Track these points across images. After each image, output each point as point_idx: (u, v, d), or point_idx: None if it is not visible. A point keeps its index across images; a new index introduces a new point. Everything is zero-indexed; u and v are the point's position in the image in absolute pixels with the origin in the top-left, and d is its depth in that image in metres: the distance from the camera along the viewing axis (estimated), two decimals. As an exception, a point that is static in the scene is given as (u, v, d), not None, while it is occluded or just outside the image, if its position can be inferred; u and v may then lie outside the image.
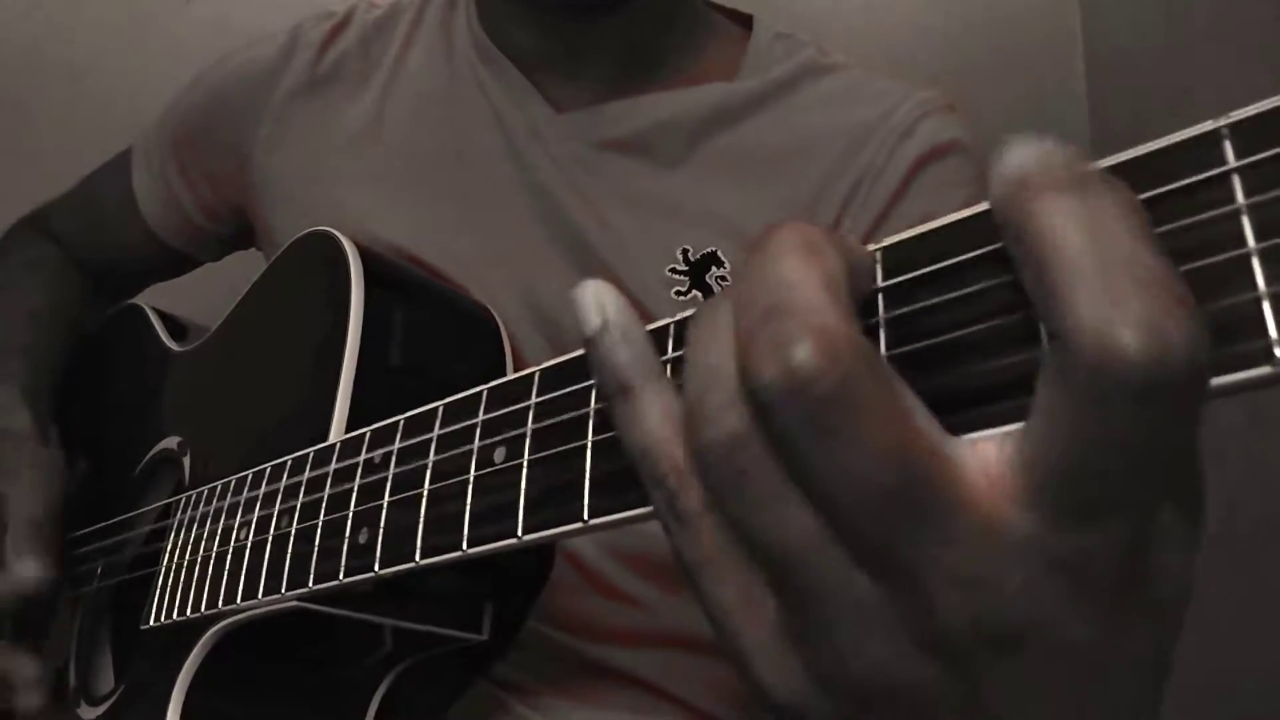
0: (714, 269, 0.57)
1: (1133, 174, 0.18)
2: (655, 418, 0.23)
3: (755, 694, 0.23)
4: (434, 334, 0.52)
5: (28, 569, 0.54)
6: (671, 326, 0.27)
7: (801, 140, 0.59)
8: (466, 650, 0.47)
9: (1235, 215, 0.17)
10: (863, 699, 0.21)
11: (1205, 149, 0.17)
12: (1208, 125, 0.18)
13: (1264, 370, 0.17)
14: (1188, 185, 0.18)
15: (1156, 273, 0.16)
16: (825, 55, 0.63)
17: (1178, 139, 0.18)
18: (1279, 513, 0.78)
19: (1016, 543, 0.19)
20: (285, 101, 0.67)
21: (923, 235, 0.22)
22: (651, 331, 0.27)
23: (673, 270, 0.57)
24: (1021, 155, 0.18)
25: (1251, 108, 0.17)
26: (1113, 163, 0.19)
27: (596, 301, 0.24)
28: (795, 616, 0.21)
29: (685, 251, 0.57)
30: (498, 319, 0.55)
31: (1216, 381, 0.17)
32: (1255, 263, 0.17)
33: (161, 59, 1.06)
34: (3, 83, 1.10)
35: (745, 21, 0.66)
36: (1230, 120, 0.17)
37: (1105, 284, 0.16)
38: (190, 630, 0.46)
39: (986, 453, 0.19)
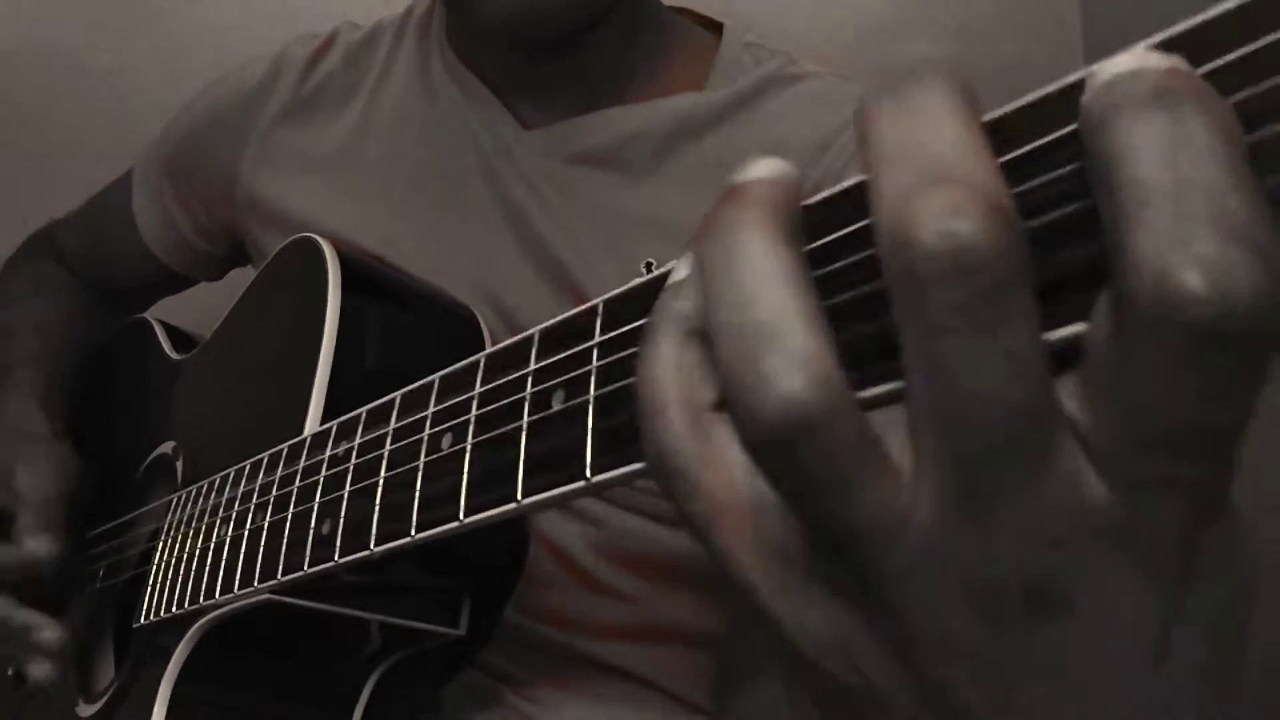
0: None
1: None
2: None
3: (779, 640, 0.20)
4: (414, 334, 0.53)
5: (40, 544, 0.58)
6: (600, 305, 0.27)
7: (767, 150, 0.58)
8: (449, 646, 0.48)
9: None
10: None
11: (1062, 104, 0.16)
12: (1073, 77, 0.16)
13: None
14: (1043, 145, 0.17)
15: (1238, 213, 0.14)
16: (794, 64, 0.62)
17: (1041, 93, 0.17)
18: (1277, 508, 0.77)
19: (1082, 504, 0.17)
20: (271, 122, 0.68)
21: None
22: (579, 313, 0.27)
23: None
24: (1117, 63, 0.16)
25: (1118, 57, 0.16)
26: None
27: None
28: (834, 563, 0.19)
29: (649, 265, 0.57)
30: (479, 319, 0.56)
31: None
32: None
33: (165, 60, 1.06)
34: (5, 83, 1.10)
35: (718, 29, 0.65)
36: (1090, 73, 0.16)
37: (1175, 216, 0.14)
38: (178, 627, 0.47)
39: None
